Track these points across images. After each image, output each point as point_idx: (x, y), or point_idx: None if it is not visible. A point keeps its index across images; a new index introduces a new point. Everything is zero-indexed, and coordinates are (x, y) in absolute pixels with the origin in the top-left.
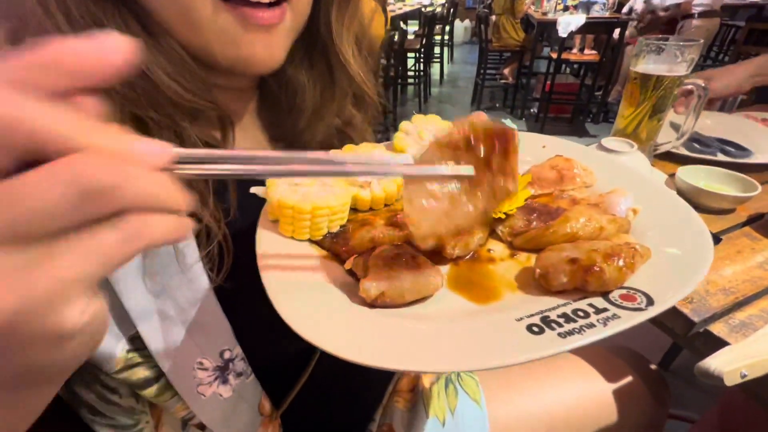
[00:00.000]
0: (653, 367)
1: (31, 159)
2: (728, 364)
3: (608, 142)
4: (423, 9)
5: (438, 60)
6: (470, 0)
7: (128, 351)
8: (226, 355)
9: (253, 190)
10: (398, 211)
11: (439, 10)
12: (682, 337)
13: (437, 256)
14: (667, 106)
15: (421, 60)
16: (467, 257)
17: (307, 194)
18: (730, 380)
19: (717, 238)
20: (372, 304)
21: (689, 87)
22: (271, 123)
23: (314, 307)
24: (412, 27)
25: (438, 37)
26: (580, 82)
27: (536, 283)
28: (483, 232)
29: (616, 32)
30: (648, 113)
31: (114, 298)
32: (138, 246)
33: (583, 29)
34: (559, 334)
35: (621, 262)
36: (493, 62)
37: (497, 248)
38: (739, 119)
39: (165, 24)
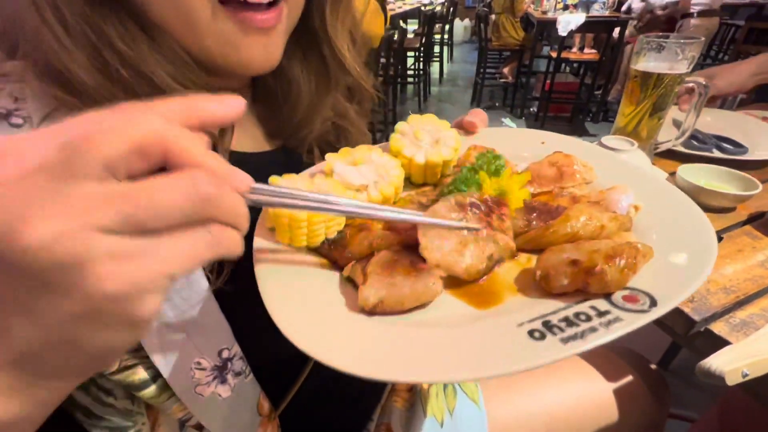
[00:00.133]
0: (653, 366)
1: (161, 166)
2: (729, 364)
3: (608, 140)
4: (423, 8)
5: (437, 59)
6: None
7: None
8: (225, 354)
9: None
10: None
11: (438, 8)
12: (682, 337)
13: None
14: (667, 104)
15: (421, 59)
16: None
17: None
18: (732, 380)
19: (718, 237)
20: (371, 312)
21: (690, 85)
22: (268, 117)
23: (312, 318)
24: (412, 26)
25: (438, 36)
26: (580, 81)
27: (537, 285)
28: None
29: (616, 31)
30: (648, 111)
31: None
32: (218, 252)
33: (583, 28)
34: (561, 340)
35: (623, 263)
36: (492, 61)
37: None
38: (739, 116)
39: (165, 28)
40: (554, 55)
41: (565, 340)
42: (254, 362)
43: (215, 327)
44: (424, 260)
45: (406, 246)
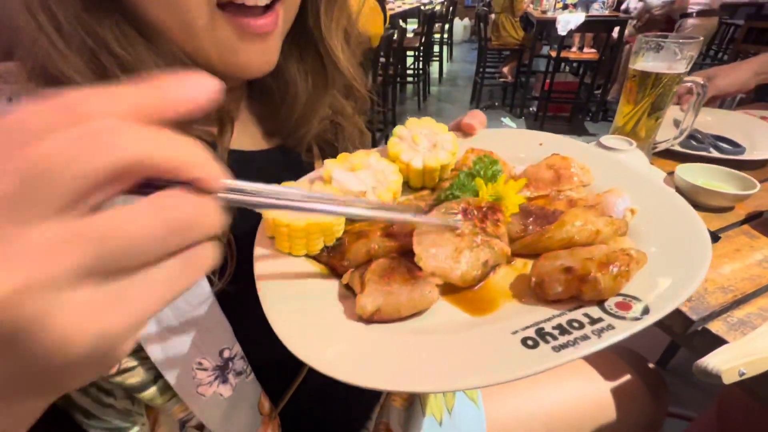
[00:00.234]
0: (651, 365)
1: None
2: (726, 363)
3: (607, 140)
4: (422, 7)
5: (437, 58)
6: None
7: None
8: (226, 354)
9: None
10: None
11: (438, 8)
12: (680, 336)
13: None
14: (665, 104)
15: (421, 58)
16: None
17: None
18: (729, 378)
19: (716, 237)
20: (369, 320)
21: (689, 85)
22: (265, 117)
23: (311, 327)
24: (412, 25)
25: (437, 36)
26: (580, 80)
27: (531, 291)
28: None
29: (616, 31)
30: (647, 111)
31: None
32: (197, 277)
33: (583, 28)
34: (553, 348)
35: (616, 270)
36: (492, 61)
37: None
38: (739, 116)
39: (163, 31)
40: (554, 54)
41: (558, 348)
42: (254, 362)
43: (216, 327)
44: (421, 267)
45: (404, 253)
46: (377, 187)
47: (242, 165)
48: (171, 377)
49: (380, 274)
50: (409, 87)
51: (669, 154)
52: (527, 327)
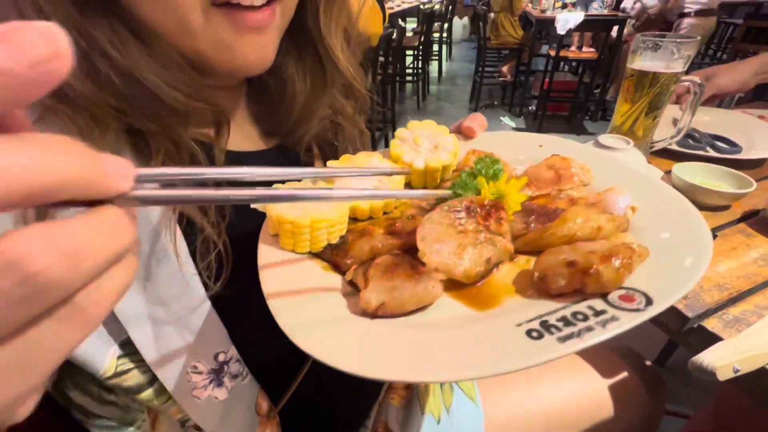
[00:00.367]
0: (649, 363)
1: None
2: (721, 359)
3: (605, 139)
4: (421, 6)
5: (436, 57)
6: None
7: (119, 357)
8: (221, 357)
9: (254, 205)
10: (397, 219)
11: (437, 7)
12: (676, 333)
13: None
14: (663, 103)
15: (420, 57)
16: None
17: (305, 208)
18: (723, 375)
19: (712, 235)
20: (373, 315)
21: (686, 84)
22: (263, 116)
23: (315, 321)
24: (411, 24)
25: (436, 35)
26: (579, 79)
27: (535, 286)
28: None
29: (615, 30)
30: (644, 110)
31: None
32: (99, 321)
33: (582, 27)
34: (558, 339)
35: (618, 263)
36: (491, 60)
37: None
38: (737, 115)
39: (157, 31)
40: (553, 53)
41: (563, 339)
42: (253, 362)
43: (211, 331)
44: (424, 264)
45: (407, 250)
46: (379, 187)
47: (240, 166)
48: (166, 380)
49: (384, 269)
50: (409, 86)
51: (666, 153)
52: (531, 320)
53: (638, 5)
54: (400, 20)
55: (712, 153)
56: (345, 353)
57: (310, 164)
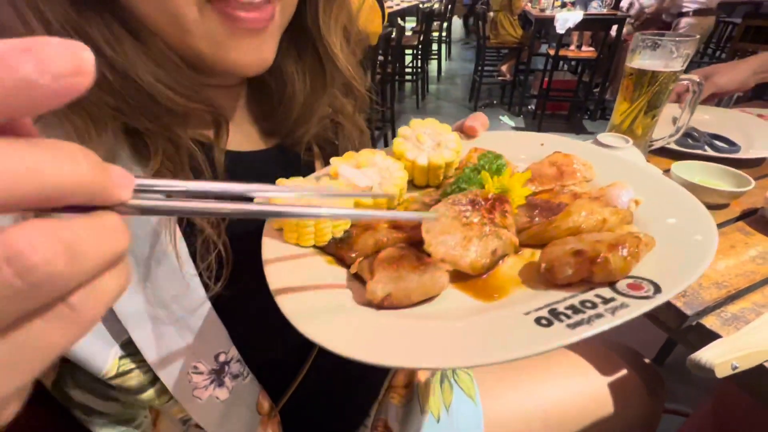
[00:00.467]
0: (648, 362)
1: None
2: (720, 357)
3: (604, 137)
4: (421, 5)
5: (436, 57)
6: None
7: (121, 357)
8: (221, 358)
9: (257, 200)
10: None
11: (436, 6)
12: (674, 331)
13: None
14: (662, 102)
15: (419, 56)
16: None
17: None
18: (722, 372)
19: None
20: (379, 306)
21: (685, 83)
22: (262, 116)
23: (322, 311)
24: (410, 23)
25: (436, 34)
26: (578, 79)
27: (542, 277)
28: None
29: (614, 29)
30: (643, 109)
31: None
32: (91, 324)
33: (581, 26)
34: (568, 326)
35: (625, 252)
36: (490, 59)
37: None
38: (736, 114)
39: (154, 28)
40: (552, 52)
41: (573, 326)
42: (253, 361)
43: (212, 332)
44: (429, 255)
45: (411, 244)
46: (383, 183)
47: (240, 165)
48: (167, 381)
49: (389, 261)
50: (408, 85)
51: (665, 152)
52: (540, 308)
53: (635, 5)
54: (399, 19)
55: (710, 152)
56: (351, 340)
57: (311, 163)
